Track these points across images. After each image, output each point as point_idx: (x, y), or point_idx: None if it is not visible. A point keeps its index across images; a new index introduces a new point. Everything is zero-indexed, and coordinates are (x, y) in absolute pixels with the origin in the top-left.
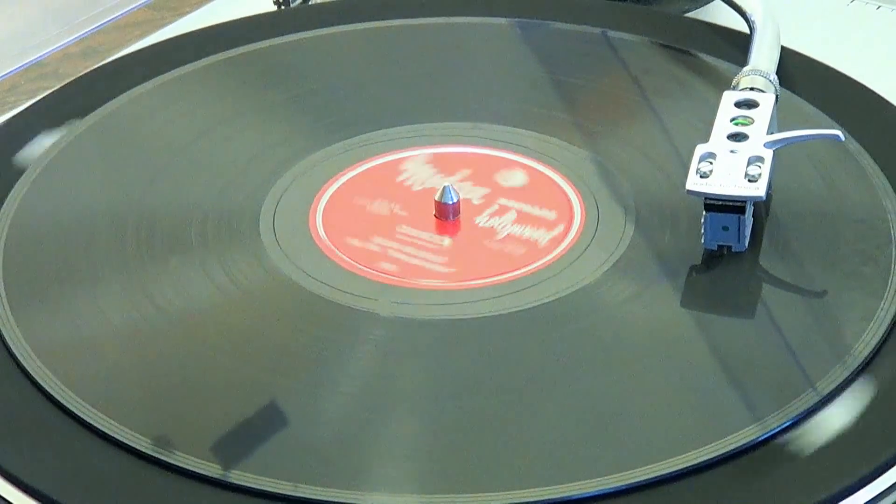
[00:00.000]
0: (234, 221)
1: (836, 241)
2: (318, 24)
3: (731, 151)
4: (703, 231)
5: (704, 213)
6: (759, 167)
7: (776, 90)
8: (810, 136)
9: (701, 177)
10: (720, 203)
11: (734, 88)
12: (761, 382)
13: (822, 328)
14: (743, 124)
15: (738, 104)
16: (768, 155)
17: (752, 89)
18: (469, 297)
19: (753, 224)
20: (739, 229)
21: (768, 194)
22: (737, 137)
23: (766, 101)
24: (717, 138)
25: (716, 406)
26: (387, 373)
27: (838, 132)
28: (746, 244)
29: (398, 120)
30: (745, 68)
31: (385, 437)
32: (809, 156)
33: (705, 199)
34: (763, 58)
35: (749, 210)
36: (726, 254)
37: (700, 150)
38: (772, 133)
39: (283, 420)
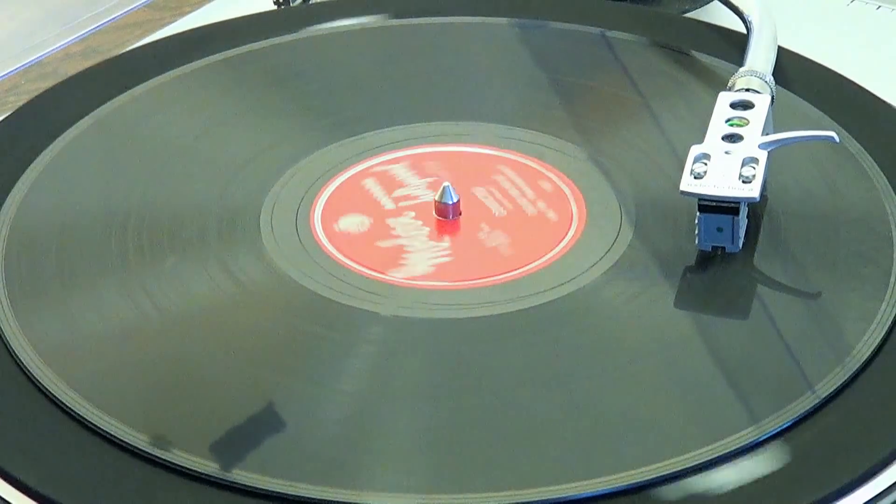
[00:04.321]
0: (234, 221)
1: (837, 242)
2: (318, 24)
3: (726, 152)
4: (697, 232)
5: (698, 214)
6: (754, 168)
7: (772, 91)
8: (805, 137)
9: (695, 178)
10: (714, 204)
11: (730, 89)
12: (760, 384)
13: (822, 329)
14: (738, 125)
15: (734, 105)
16: (763, 156)
17: (747, 90)
18: (469, 297)
19: (753, 224)
20: (733, 230)
21: (763, 195)
22: (731, 138)
23: (762, 103)
24: (712, 139)
25: (715, 407)
26: (387, 372)
27: (833, 133)
28: (740, 245)
29: (398, 120)
30: (741, 69)
31: (385, 436)
32: (810, 156)
33: (699, 200)
34: (759, 59)
35: (743, 211)
36: (720, 255)
37: (694, 150)
38: (767, 134)
39: (282, 419)
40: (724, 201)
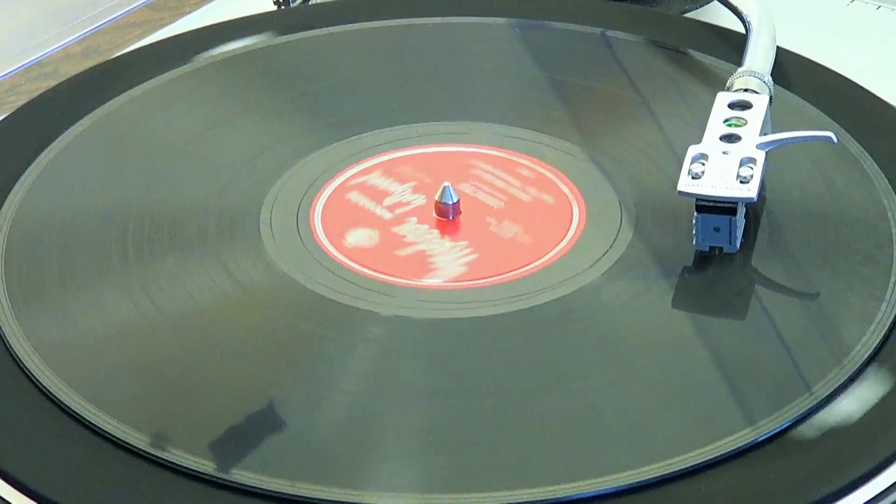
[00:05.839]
0: (234, 221)
1: (836, 242)
2: (318, 24)
3: (724, 153)
4: (694, 232)
5: (696, 214)
6: (751, 168)
7: (770, 91)
8: (803, 137)
9: (692, 178)
10: (711, 204)
11: (728, 89)
12: (759, 384)
13: (822, 329)
14: (736, 125)
15: (732, 105)
16: (760, 156)
17: (745, 90)
18: (469, 297)
19: (753, 224)
20: (731, 231)
21: (761, 195)
22: (729, 138)
23: (760, 103)
24: (710, 139)
25: (714, 408)
26: (387, 372)
27: (831, 134)
28: (738, 245)
29: (398, 120)
30: (740, 69)
31: (385, 436)
32: (809, 156)
33: (696, 200)
34: (758, 59)
35: (741, 212)
36: (718, 255)
37: (692, 151)
38: (766, 134)
39: (282, 419)
40: (721, 201)
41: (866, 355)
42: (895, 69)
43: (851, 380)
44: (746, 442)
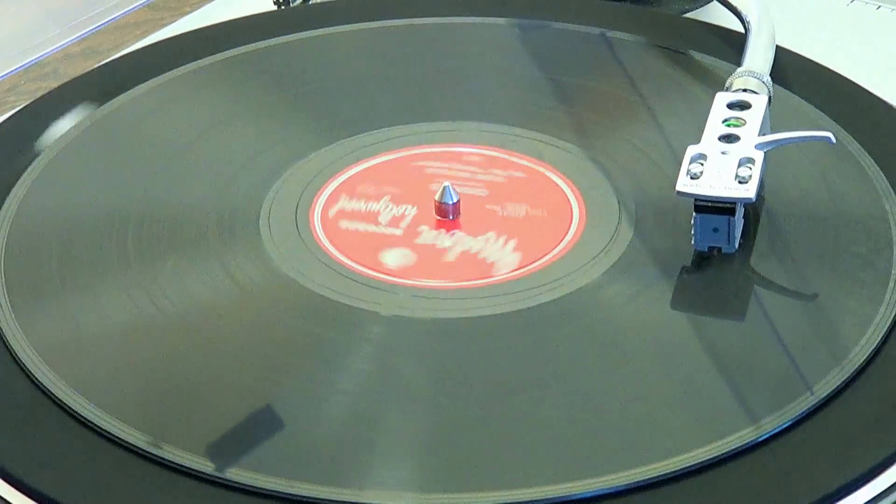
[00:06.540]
0: (234, 221)
1: (836, 243)
2: (318, 24)
3: (722, 153)
4: (693, 232)
5: (694, 214)
6: (750, 169)
7: (769, 92)
8: (802, 137)
9: (691, 178)
10: (710, 204)
11: (727, 89)
12: (759, 385)
13: (821, 330)
14: (735, 126)
15: (731, 105)
16: (759, 156)
17: (744, 90)
18: (469, 297)
19: (753, 225)
20: (729, 231)
21: (760, 196)
22: (728, 139)
23: (759, 103)
24: (709, 139)
25: (714, 407)
26: (387, 372)
27: (829, 134)
28: (737, 246)
29: (398, 120)
30: (739, 69)
31: (385, 436)
32: (808, 156)
33: (695, 200)
34: (757, 59)
35: (739, 212)
36: (716, 255)
37: (691, 151)
38: (765, 135)
39: (282, 419)
40: (719, 201)
41: (866, 356)
42: (895, 69)
43: (851, 380)
44: (747, 441)
